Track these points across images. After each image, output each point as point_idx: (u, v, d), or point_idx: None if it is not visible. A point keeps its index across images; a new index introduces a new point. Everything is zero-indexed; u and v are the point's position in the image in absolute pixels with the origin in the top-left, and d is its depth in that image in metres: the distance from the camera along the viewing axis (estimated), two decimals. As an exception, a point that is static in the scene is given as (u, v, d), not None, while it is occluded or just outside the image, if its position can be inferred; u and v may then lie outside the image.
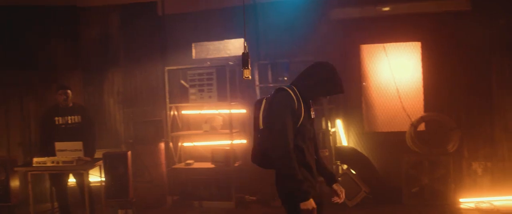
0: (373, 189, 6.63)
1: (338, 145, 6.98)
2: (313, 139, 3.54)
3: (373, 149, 7.00)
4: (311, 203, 3.32)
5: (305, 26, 6.98)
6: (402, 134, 6.80)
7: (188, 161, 7.37)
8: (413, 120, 6.72)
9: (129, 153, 6.36)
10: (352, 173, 6.61)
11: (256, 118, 3.54)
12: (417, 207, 6.44)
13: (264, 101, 3.51)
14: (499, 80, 6.76)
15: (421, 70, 6.93)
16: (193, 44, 7.53)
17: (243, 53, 4.40)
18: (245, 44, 4.49)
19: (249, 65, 4.27)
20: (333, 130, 6.91)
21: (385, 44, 6.95)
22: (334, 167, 6.81)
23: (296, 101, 3.36)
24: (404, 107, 6.92)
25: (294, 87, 3.45)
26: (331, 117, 6.88)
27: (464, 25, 6.68)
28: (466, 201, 6.46)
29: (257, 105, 3.57)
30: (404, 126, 6.82)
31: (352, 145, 7.09)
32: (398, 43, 6.97)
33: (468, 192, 6.65)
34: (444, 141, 6.59)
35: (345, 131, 7.09)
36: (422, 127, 6.83)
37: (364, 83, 7.15)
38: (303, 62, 6.96)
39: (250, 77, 4.33)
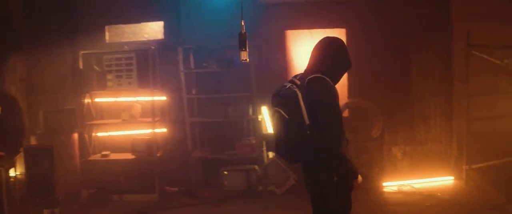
0: (301, 176, 6.65)
1: (264, 132, 6.98)
2: None
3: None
4: (360, 178, 3.47)
5: (230, 9, 6.78)
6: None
7: (105, 152, 6.97)
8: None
9: (52, 146, 5.86)
10: (280, 160, 6.65)
11: (291, 112, 3.36)
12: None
13: (296, 92, 3.36)
14: (417, 67, 7.12)
15: (345, 58, 7.04)
16: (106, 27, 7.14)
17: (239, 33, 4.36)
18: (242, 25, 4.59)
19: (247, 47, 4.25)
20: (259, 117, 6.90)
21: (311, 30, 7.02)
22: (261, 155, 6.82)
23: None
24: (330, 93, 7.01)
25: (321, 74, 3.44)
26: (256, 104, 6.86)
27: (386, 13, 6.91)
28: (389, 184, 6.71)
29: (283, 98, 3.42)
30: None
31: (275, 131, 7.03)
32: (324, 30, 6.97)
33: (389, 175, 6.87)
34: (368, 127, 6.83)
35: (269, 118, 7.06)
36: (346, 113, 7.02)
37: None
38: (228, 47, 6.91)
39: (247, 59, 4.19)
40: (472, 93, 6.64)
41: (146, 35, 7.10)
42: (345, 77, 6.87)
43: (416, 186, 6.74)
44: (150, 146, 6.66)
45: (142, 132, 7.04)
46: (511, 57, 5.80)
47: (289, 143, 3.46)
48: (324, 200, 3.54)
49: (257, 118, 6.81)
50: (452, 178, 7.05)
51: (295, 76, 3.60)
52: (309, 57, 3.68)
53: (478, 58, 6.55)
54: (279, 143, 3.53)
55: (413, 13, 6.99)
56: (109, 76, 6.81)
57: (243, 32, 4.30)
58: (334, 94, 3.39)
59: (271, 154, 6.87)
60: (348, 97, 7.03)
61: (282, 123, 3.46)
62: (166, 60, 6.97)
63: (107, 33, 7.10)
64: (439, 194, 6.44)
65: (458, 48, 6.96)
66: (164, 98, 7.05)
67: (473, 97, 6.63)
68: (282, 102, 3.46)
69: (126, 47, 6.80)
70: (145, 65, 6.66)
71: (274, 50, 7.03)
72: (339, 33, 7.10)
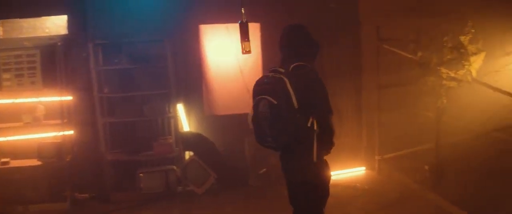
0: (221, 173, 6.63)
1: (181, 130, 6.84)
2: None
3: (218, 133, 7.00)
4: None
5: (142, 1, 6.59)
6: (245, 116, 6.87)
7: (4, 160, 6.40)
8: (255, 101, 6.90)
9: None
10: (199, 159, 6.55)
11: (279, 97, 3.56)
12: (263, 188, 6.69)
13: (283, 78, 3.58)
14: (329, 62, 7.29)
15: (261, 52, 7.12)
16: (0, 22, 6.60)
17: (240, 22, 4.29)
18: None
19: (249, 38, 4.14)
20: (173, 114, 6.70)
21: (228, 25, 6.96)
22: (180, 154, 6.65)
23: None
24: (249, 89, 7.02)
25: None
26: (172, 101, 6.67)
27: (298, 7, 6.96)
28: (306, 178, 6.87)
29: (271, 85, 3.63)
30: (249, 107, 6.89)
31: (193, 129, 7.00)
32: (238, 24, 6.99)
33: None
34: (285, 123, 6.91)
35: (186, 115, 6.95)
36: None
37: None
38: (141, 42, 6.68)
39: (251, 51, 4.04)
40: (382, 86, 7.03)
41: (47, 30, 6.61)
42: (259, 73, 7.10)
43: (334, 178, 6.95)
44: (59, 150, 6.25)
45: (48, 135, 6.54)
46: (425, 50, 6.16)
47: (277, 128, 3.60)
48: (315, 185, 3.72)
49: (175, 115, 6.64)
50: (364, 168, 7.41)
51: (273, 68, 3.79)
52: (281, 47, 3.92)
53: (388, 52, 6.93)
54: (263, 130, 3.67)
55: (323, 8, 7.19)
56: (5, 76, 6.27)
57: (244, 21, 4.24)
58: None
59: (190, 153, 6.78)
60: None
61: (270, 109, 3.61)
62: (72, 57, 6.54)
63: (0, 28, 6.54)
64: (357, 185, 6.75)
65: (367, 43, 7.28)
66: (70, 98, 6.64)
67: (383, 90, 7.02)
68: (269, 89, 3.65)
69: (26, 43, 6.31)
70: (50, 63, 6.23)
71: (189, 46, 6.87)
72: (253, 28, 7.12)
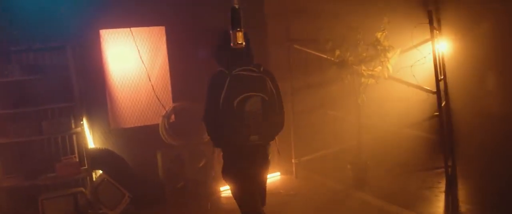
0: (136, 192, 6.06)
1: (87, 147, 6.15)
2: None
3: (127, 147, 6.45)
4: None
5: (33, 4, 5.84)
6: (156, 127, 6.52)
7: None
8: (167, 110, 6.54)
9: None
10: (110, 178, 5.95)
11: (269, 95, 3.93)
12: (179, 202, 6.30)
13: (265, 78, 3.94)
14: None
15: (167, 58, 6.75)
16: None
17: (232, 8, 3.86)
18: None
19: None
20: (78, 130, 5.98)
21: (132, 29, 6.45)
22: (87, 174, 5.96)
23: None
24: (159, 97, 6.62)
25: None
26: (75, 115, 5.96)
27: (202, 9, 6.73)
28: (225, 188, 6.57)
29: (259, 83, 3.88)
30: (158, 117, 6.56)
31: (100, 145, 6.38)
32: (143, 28, 6.57)
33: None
34: (199, 130, 6.58)
35: (90, 130, 6.30)
36: (172, 118, 6.66)
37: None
38: (34, 50, 5.94)
39: (243, 43, 3.64)
40: (296, 87, 7.02)
41: None
42: (167, 79, 6.73)
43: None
44: None
45: None
46: (341, 49, 6.21)
47: (270, 122, 3.95)
48: (268, 166, 4.16)
49: (79, 131, 5.95)
50: (279, 173, 7.31)
51: (239, 67, 3.89)
52: (224, 49, 3.97)
53: (300, 52, 6.96)
54: (247, 129, 3.80)
55: (228, 9, 6.99)
56: None
57: (235, 7, 3.84)
58: None
59: (99, 171, 6.14)
60: (173, 101, 6.70)
61: (262, 105, 3.87)
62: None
63: None
64: (281, 191, 6.63)
65: (276, 43, 7.21)
66: None
67: (297, 91, 7.01)
68: (259, 86, 3.89)
69: None
70: None
71: (89, 53, 6.22)
72: (158, 31, 6.80)
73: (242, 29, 3.79)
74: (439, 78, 6.13)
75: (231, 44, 3.74)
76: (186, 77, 6.74)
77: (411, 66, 6.19)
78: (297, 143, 7.12)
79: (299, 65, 7.08)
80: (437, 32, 6.33)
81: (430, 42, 6.12)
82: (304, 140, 7.13)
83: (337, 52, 6.29)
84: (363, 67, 6.15)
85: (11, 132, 5.77)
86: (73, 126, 6.00)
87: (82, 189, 5.91)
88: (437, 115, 6.25)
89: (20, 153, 6.00)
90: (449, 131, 6.46)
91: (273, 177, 7.20)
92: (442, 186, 6.09)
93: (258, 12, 7.27)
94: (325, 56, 6.57)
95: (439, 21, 6.55)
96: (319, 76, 6.94)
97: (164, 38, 6.74)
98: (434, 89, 6.04)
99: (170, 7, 6.65)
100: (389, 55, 6.11)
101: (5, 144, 5.81)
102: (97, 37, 6.41)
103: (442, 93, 6.15)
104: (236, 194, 3.96)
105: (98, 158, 6.17)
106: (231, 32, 3.74)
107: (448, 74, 6.47)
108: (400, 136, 6.76)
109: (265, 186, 4.16)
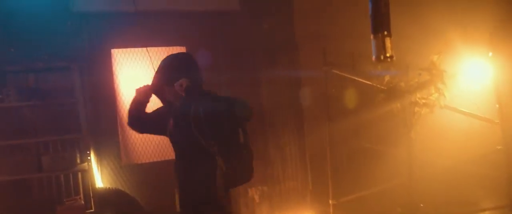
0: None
1: (94, 187, 5.26)
2: None
3: (142, 186, 5.57)
4: None
5: (34, 19, 5.02)
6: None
7: None
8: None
9: None
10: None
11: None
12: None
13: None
14: (268, 92, 6.32)
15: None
16: None
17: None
18: None
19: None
20: (84, 166, 5.11)
21: (148, 49, 5.62)
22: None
23: None
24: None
25: None
26: (81, 148, 5.13)
27: (233, 28, 6.04)
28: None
29: None
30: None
31: (108, 184, 5.47)
32: (161, 48, 5.66)
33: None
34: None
35: (98, 167, 5.43)
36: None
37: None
38: (34, 71, 5.10)
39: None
40: (333, 117, 6.15)
41: None
42: None
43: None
44: None
45: None
46: (392, 74, 5.45)
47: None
48: None
49: (85, 168, 5.07)
50: (313, 215, 6.49)
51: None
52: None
53: (338, 78, 6.16)
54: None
55: (255, 30, 6.27)
56: None
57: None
58: None
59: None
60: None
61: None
62: None
63: None
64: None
65: (310, 68, 6.45)
66: None
67: (334, 122, 6.16)
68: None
69: None
70: None
71: (98, 75, 5.39)
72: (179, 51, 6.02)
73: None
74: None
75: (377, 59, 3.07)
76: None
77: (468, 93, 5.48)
78: (336, 181, 6.13)
79: (337, 93, 6.30)
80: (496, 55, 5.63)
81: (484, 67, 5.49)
82: (344, 177, 6.24)
83: (386, 77, 5.53)
84: (418, 95, 5.39)
85: (6, 168, 4.90)
86: (78, 161, 5.13)
87: (88, 237, 5.01)
88: (500, 148, 5.51)
89: (16, 193, 5.08)
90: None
91: (306, 223, 6.35)
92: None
93: (287, 32, 6.53)
94: (370, 83, 5.82)
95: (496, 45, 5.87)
96: (361, 105, 6.15)
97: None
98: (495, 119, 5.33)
99: (193, 26, 5.89)
100: (446, 81, 5.38)
101: (-2, 182, 4.95)
102: (108, 57, 5.59)
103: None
104: None
105: (107, 200, 5.29)
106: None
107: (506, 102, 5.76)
108: (457, 173, 5.94)
109: None
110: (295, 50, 6.53)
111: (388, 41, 2.82)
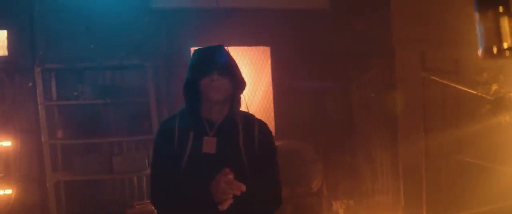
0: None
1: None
2: None
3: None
4: None
5: (111, 16, 4.88)
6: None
7: None
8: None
9: None
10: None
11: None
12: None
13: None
14: (359, 97, 5.81)
15: (272, 86, 5.56)
16: None
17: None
18: None
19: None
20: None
21: (227, 48, 5.36)
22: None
23: None
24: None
25: None
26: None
27: (321, 29, 5.57)
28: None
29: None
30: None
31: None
32: (243, 47, 5.46)
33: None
34: (306, 177, 5.32)
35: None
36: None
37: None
38: (109, 68, 4.93)
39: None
40: (430, 128, 5.57)
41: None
42: (270, 111, 5.55)
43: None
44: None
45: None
46: (500, 83, 4.75)
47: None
48: None
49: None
50: (402, 238, 5.83)
51: None
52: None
53: (436, 86, 5.54)
54: None
55: (346, 30, 5.76)
56: None
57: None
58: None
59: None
60: (276, 139, 5.46)
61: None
62: (15, 87, 4.84)
63: None
64: None
65: (406, 74, 5.87)
66: (8, 143, 4.87)
67: (431, 134, 5.55)
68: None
69: None
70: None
71: (175, 74, 5.17)
72: (262, 53, 5.64)
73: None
74: None
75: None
76: (293, 111, 5.50)
77: None
78: (432, 197, 5.61)
79: (436, 102, 5.65)
80: None
81: None
82: (442, 194, 5.70)
83: (494, 86, 4.82)
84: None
85: (78, 167, 4.80)
86: (148, 164, 4.86)
87: (157, 243, 4.79)
88: None
89: (86, 193, 5.00)
90: None
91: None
92: None
93: (382, 34, 5.95)
94: (474, 92, 5.13)
95: None
96: (463, 116, 5.47)
97: (268, 62, 5.57)
98: None
99: (277, 25, 5.46)
100: None
101: (69, 182, 4.86)
102: (187, 55, 5.37)
103: None
104: None
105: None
106: None
107: None
108: None
109: None
110: (391, 54, 5.95)
111: (505, 23, 1.70)
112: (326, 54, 5.67)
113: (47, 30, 5.00)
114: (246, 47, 5.54)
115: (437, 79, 5.41)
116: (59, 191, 4.86)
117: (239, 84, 2.65)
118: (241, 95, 2.72)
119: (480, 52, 1.95)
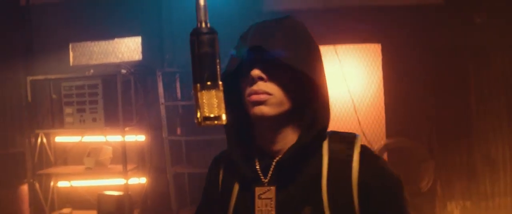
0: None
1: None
2: None
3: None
4: None
5: (230, 22, 5.20)
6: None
7: (64, 210, 5.44)
8: (375, 148, 5.29)
9: None
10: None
11: None
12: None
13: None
14: (477, 94, 5.48)
15: (382, 82, 5.50)
16: (70, 45, 5.72)
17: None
18: None
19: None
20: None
21: (336, 46, 5.47)
22: None
23: None
24: (363, 129, 5.42)
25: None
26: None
27: (436, 24, 5.34)
28: (445, 255, 5.12)
29: None
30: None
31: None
32: (352, 45, 5.50)
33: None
34: (415, 176, 5.24)
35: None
36: (385, 157, 5.40)
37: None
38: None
39: None
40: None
41: (119, 55, 5.62)
42: (381, 108, 5.52)
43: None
44: (120, 206, 5.03)
45: (113, 182, 5.37)
46: None
47: None
48: None
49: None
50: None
51: None
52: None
53: None
54: None
55: (465, 24, 5.46)
56: (68, 110, 5.24)
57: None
58: None
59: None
60: (387, 137, 5.43)
61: None
62: (146, 88, 5.47)
63: (71, 53, 5.67)
64: None
65: None
66: (142, 138, 5.53)
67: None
68: None
69: (91, 71, 5.29)
70: (114, 95, 5.10)
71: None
72: (372, 50, 5.61)
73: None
74: None
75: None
76: (406, 109, 5.35)
77: None
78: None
79: None
80: None
81: None
82: None
83: None
84: None
85: (196, 161, 5.29)
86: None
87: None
88: None
89: (198, 184, 5.46)
90: None
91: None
92: None
93: (506, 32, 5.41)
94: None
95: None
96: None
97: (379, 59, 5.49)
98: None
99: (388, 22, 5.33)
100: None
101: (188, 174, 5.40)
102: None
103: None
104: None
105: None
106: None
107: None
108: None
109: None
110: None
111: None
112: (442, 51, 5.44)
113: (173, 37, 5.50)
114: (353, 45, 5.53)
115: None
116: (180, 181, 5.40)
117: (311, 86, 1.60)
118: (329, 103, 1.66)
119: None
